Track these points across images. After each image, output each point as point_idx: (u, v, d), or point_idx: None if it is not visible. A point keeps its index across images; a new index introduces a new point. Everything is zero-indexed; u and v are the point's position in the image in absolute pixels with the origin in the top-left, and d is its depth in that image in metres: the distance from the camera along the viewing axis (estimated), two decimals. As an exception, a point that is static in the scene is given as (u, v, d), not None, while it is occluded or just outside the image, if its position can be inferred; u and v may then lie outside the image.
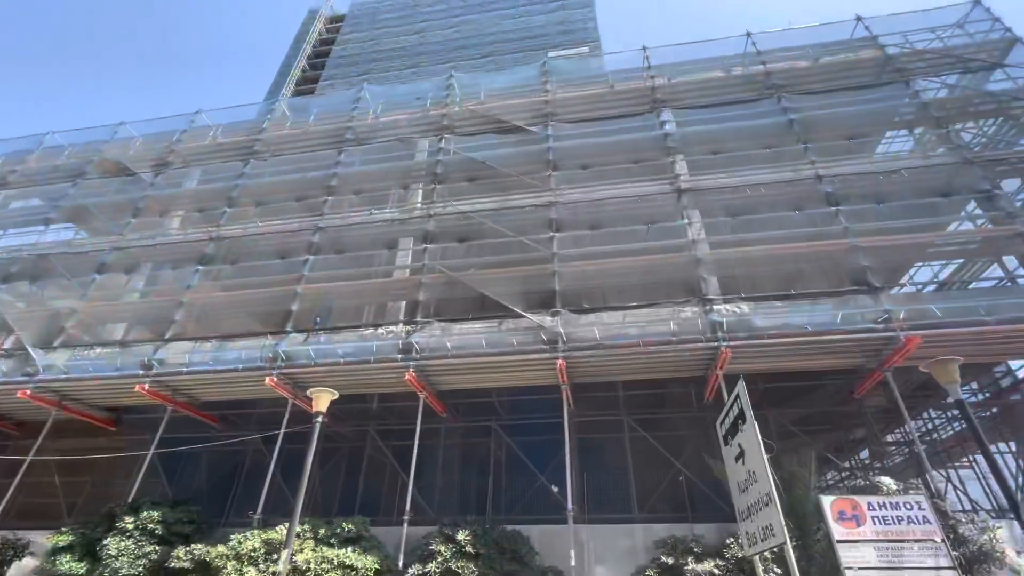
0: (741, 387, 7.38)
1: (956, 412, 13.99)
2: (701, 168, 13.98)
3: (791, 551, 5.98)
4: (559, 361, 10.54)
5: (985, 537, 7.77)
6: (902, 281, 14.13)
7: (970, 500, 12.17)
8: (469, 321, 11.88)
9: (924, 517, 8.22)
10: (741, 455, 7.70)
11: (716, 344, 10.25)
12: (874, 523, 8.35)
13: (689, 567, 8.35)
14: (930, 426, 15.05)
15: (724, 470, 10.42)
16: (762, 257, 11.59)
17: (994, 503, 12.32)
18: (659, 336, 10.70)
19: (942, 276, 14.79)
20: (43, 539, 10.72)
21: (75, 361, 12.81)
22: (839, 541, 8.21)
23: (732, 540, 8.79)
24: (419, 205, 14.78)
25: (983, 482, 13.14)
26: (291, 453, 11.91)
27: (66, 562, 9.78)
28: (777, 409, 12.47)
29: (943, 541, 7.93)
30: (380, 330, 12.20)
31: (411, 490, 10.60)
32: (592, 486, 12.02)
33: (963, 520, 8.20)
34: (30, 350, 12.88)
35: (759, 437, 6.88)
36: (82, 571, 9.64)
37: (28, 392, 12.26)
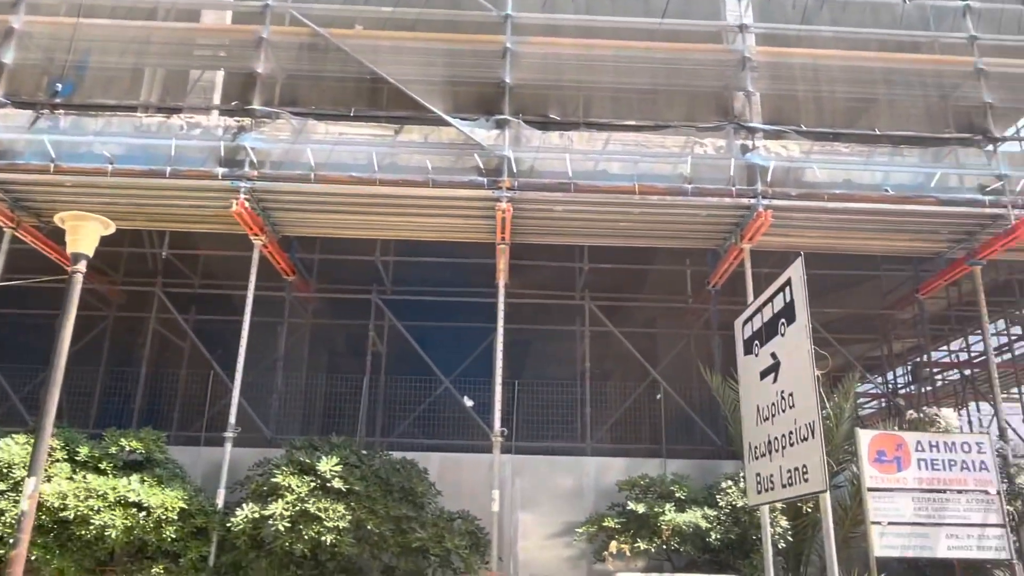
0: (798, 269, 7.72)
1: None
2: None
3: (828, 503, 6.86)
4: (503, 205, 10.48)
5: (1052, 491, 9.54)
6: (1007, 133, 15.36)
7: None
8: (347, 121, 11.38)
9: (982, 463, 9.90)
10: (773, 369, 8.38)
11: (751, 202, 10.66)
12: (919, 467, 9.92)
13: (667, 517, 9.45)
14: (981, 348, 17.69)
15: (725, 388, 11.53)
16: (839, 69, 11.81)
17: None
18: (664, 180, 10.88)
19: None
20: None
21: None
22: (871, 489, 9.69)
23: (730, 483, 10.00)
24: None
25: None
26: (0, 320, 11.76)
27: None
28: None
29: (998, 493, 9.67)
30: (177, 119, 11.41)
31: (236, 393, 10.73)
32: (525, 400, 12.82)
33: (1028, 467, 9.98)
34: None
35: (812, 346, 7.43)
36: None
37: None
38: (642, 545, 9.59)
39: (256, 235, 11.31)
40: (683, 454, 12.20)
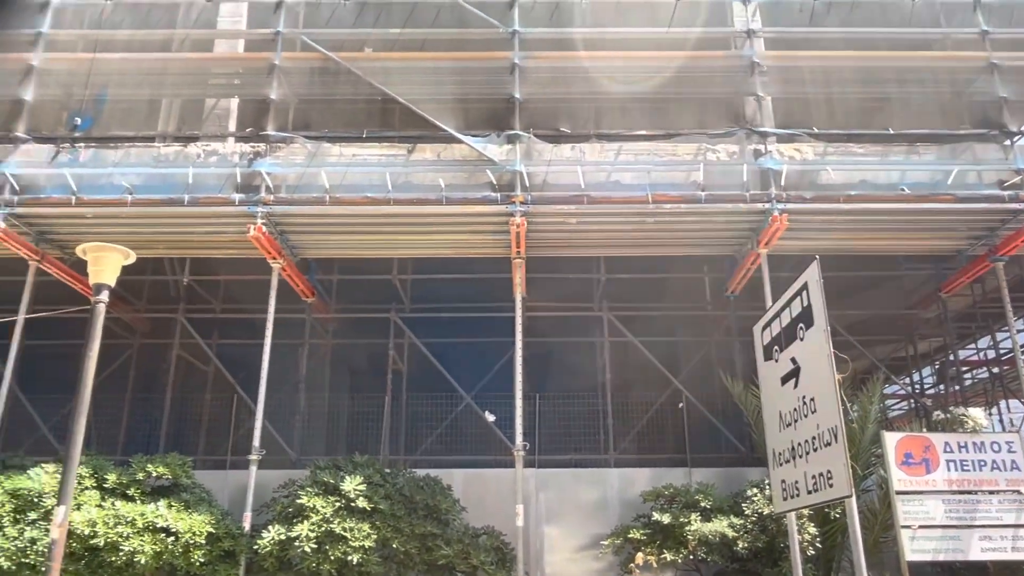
0: (814, 272, 7.69)
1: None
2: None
3: (854, 508, 6.79)
4: (517, 220, 10.52)
5: (1084, 488, 9.35)
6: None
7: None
8: (360, 142, 11.49)
9: (1014, 462, 9.74)
10: (794, 374, 8.33)
11: (766, 206, 10.62)
12: (948, 468, 9.77)
13: (692, 527, 9.39)
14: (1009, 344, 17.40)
15: (747, 395, 11.46)
16: (849, 70, 11.78)
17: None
18: (677, 189, 10.89)
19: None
20: None
21: None
22: (899, 492, 9.57)
23: (755, 491, 9.92)
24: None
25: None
26: (28, 351, 11.85)
27: None
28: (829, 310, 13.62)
29: (1031, 493, 9.52)
30: (194, 147, 11.58)
31: (259, 415, 10.80)
32: (547, 413, 12.80)
33: (1061, 466, 9.77)
34: None
35: (831, 350, 7.37)
36: None
37: None
38: (669, 556, 9.54)
39: (274, 259, 11.41)
40: (707, 463, 12.11)
